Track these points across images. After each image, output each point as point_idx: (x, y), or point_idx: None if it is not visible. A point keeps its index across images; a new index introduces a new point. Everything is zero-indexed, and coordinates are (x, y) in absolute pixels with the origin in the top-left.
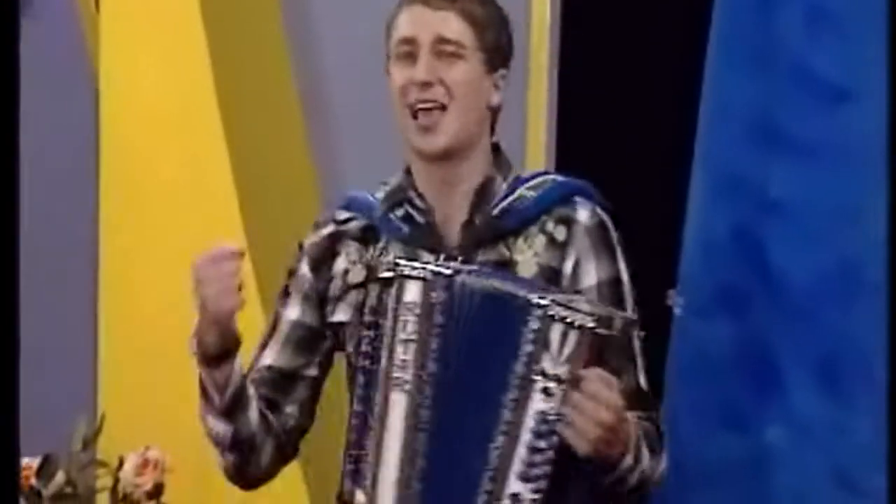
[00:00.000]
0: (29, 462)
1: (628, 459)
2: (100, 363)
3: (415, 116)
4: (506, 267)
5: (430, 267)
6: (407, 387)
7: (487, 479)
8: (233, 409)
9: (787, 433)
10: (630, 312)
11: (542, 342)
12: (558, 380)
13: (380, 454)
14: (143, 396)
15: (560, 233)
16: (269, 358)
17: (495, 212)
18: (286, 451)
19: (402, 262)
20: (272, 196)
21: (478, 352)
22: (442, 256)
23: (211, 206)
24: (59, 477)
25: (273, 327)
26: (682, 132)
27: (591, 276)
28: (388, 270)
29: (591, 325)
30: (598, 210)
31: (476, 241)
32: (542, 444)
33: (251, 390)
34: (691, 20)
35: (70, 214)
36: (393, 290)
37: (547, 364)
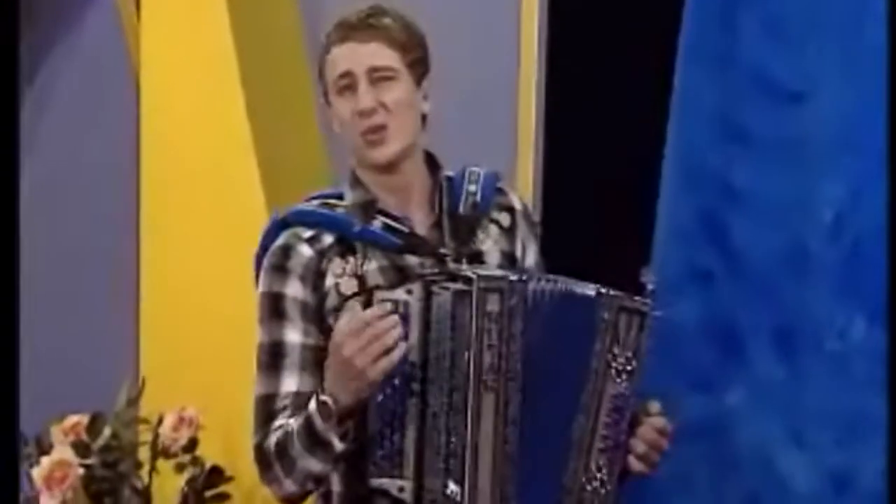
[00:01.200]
0: (79, 419)
1: None
2: (142, 334)
3: (363, 136)
4: (478, 257)
5: (507, 277)
6: (494, 386)
7: (573, 456)
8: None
9: (747, 395)
10: None
11: (613, 331)
12: (628, 362)
13: (475, 449)
14: (181, 362)
15: (505, 220)
16: (292, 384)
17: (461, 210)
18: None
19: (481, 273)
20: (292, 188)
21: (554, 347)
22: (431, 260)
23: (238, 193)
24: (106, 432)
25: (277, 354)
26: (655, 128)
27: (532, 256)
28: (465, 283)
29: (646, 310)
30: (517, 194)
31: (459, 240)
32: (619, 421)
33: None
34: (662, 27)
35: (113, 200)
36: (472, 301)
37: (617, 350)
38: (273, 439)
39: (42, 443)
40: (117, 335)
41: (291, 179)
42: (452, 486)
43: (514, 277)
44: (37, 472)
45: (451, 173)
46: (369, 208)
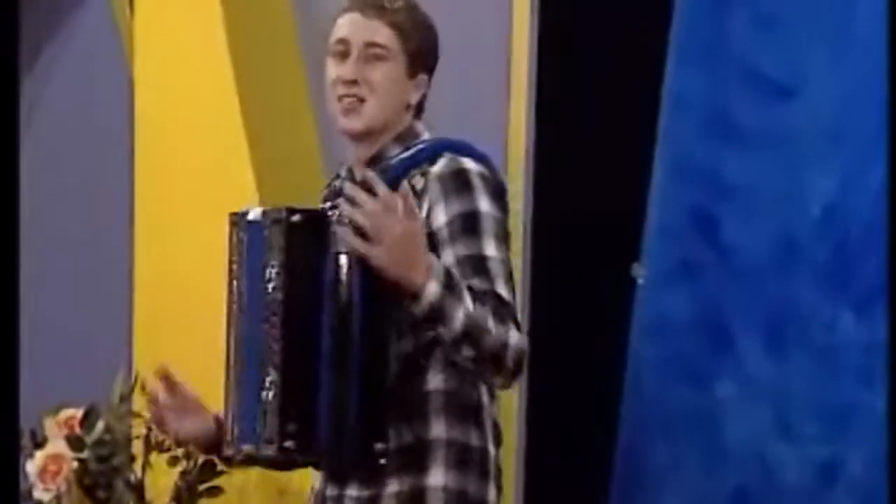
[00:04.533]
0: (74, 413)
1: (433, 287)
2: (135, 327)
3: (340, 101)
4: None
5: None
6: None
7: (261, 369)
8: None
9: (736, 388)
10: (489, 240)
11: (269, 243)
12: (275, 269)
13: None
14: (174, 356)
15: (418, 184)
16: None
17: (369, 174)
18: None
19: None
20: (283, 177)
21: (253, 269)
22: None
23: (231, 187)
24: (100, 426)
25: None
26: (645, 123)
27: (440, 216)
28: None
29: (283, 217)
30: (462, 160)
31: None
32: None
33: None
34: (653, 21)
35: (108, 195)
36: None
37: (273, 260)
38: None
39: (36, 436)
40: (111, 329)
41: (285, 175)
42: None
43: (274, 214)
44: (31, 466)
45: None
46: (339, 168)
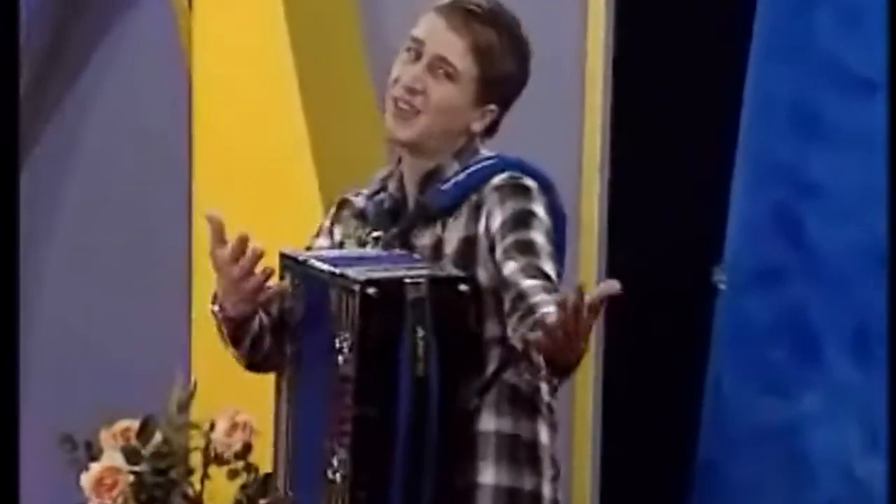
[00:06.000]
0: (130, 424)
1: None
2: (193, 335)
3: (394, 103)
4: (436, 247)
5: (298, 256)
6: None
7: (324, 439)
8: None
9: (823, 398)
10: (538, 232)
11: (337, 310)
12: (347, 342)
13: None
14: (233, 365)
15: (477, 200)
16: None
17: (428, 195)
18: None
19: (285, 251)
20: (346, 176)
21: (312, 328)
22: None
23: (293, 187)
24: (157, 437)
25: None
26: (727, 121)
27: (497, 218)
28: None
29: (357, 289)
30: (518, 175)
31: (409, 225)
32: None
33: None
34: (737, 17)
35: (166, 197)
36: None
37: (339, 330)
38: None
39: (91, 448)
40: (169, 337)
41: (347, 174)
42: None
43: (303, 257)
44: (85, 478)
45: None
46: (384, 181)
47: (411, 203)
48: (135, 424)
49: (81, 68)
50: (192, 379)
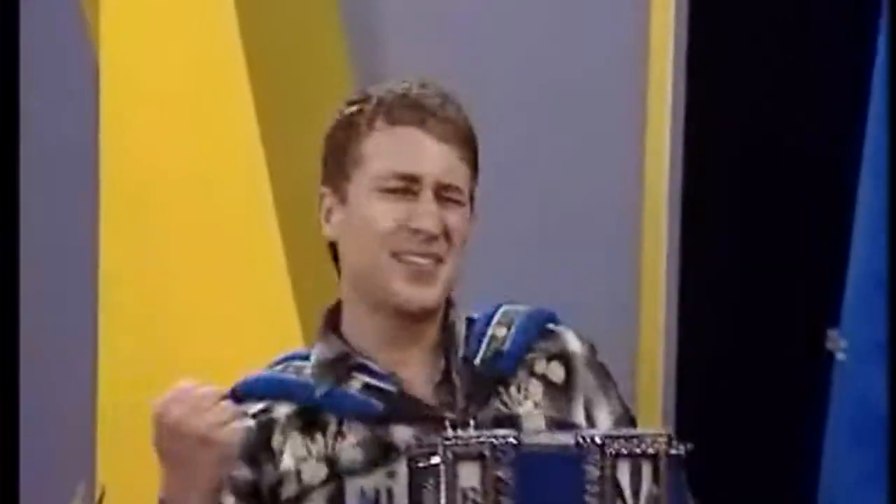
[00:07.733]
0: None
1: None
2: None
3: (400, 261)
4: (510, 424)
5: (488, 441)
6: None
7: None
8: None
9: None
10: None
11: (610, 486)
12: None
13: None
14: (144, 465)
15: (556, 372)
16: None
17: (477, 362)
18: None
19: (448, 439)
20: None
21: None
22: (447, 428)
23: (245, 224)
24: None
25: None
26: (847, 161)
27: (604, 418)
28: (422, 456)
29: (657, 450)
30: (572, 334)
31: (475, 401)
32: None
33: None
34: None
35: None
36: (437, 477)
37: None
38: None
39: None
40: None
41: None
42: None
43: (500, 439)
44: None
45: (474, 314)
46: (342, 364)
47: (425, 379)
48: None
49: None
50: (99, 488)
